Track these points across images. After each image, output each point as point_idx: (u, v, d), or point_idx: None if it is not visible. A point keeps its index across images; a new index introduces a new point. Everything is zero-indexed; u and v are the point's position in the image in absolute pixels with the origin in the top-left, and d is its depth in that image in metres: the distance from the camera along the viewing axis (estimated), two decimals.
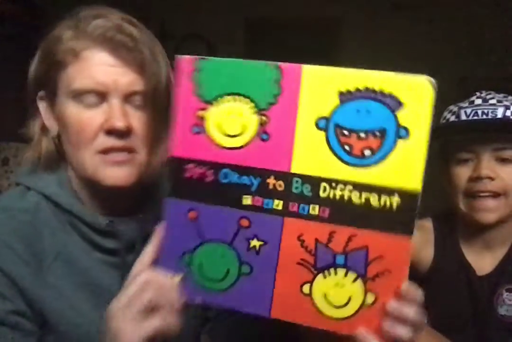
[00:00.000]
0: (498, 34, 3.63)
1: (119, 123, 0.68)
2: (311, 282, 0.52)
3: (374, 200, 0.48)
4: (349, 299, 0.51)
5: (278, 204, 0.52)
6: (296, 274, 0.52)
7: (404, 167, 0.46)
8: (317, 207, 0.50)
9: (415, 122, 0.46)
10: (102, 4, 0.76)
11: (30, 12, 3.42)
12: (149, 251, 0.58)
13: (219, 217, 0.53)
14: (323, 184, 0.49)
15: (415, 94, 0.46)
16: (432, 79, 0.47)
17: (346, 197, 0.48)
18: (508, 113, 0.99)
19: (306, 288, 0.52)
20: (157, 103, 0.73)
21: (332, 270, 0.51)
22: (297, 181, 0.50)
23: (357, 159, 0.48)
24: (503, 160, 0.98)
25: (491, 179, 0.97)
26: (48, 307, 0.71)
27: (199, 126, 0.52)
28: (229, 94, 0.52)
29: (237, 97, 0.51)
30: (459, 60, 3.72)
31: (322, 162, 0.49)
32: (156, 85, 0.72)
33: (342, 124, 0.49)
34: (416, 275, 1.09)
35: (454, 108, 1.06)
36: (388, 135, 0.47)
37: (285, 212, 0.51)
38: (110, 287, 0.75)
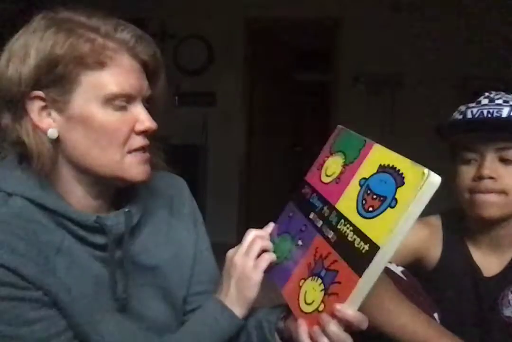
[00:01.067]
0: (498, 35, 3.64)
1: (153, 125, 0.76)
2: (305, 279, 0.70)
3: (357, 242, 0.63)
4: (312, 302, 0.67)
5: (319, 224, 0.72)
6: (303, 270, 0.71)
7: (382, 227, 0.61)
8: (332, 233, 0.68)
9: (404, 198, 0.60)
10: (103, 5, 0.76)
11: (28, 11, 3.42)
12: (269, 227, 0.83)
13: (298, 220, 0.77)
14: (342, 220, 0.67)
15: (413, 179, 0.60)
16: (429, 173, 0.58)
17: (346, 233, 0.66)
18: None
19: (301, 282, 0.71)
20: (157, 108, 0.81)
21: (316, 277, 0.68)
22: (334, 213, 0.70)
23: (363, 212, 0.65)
24: (506, 161, 0.98)
25: (493, 179, 0.97)
26: (58, 304, 0.73)
27: (321, 166, 0.79)
28: (340, 151, 0.76)
29: (340, 153, 0.76)
30: (459, 60, 3.73)
31: (349, 206, 0.68)
32: (162, 92, 0.82)
33: (370, 186, 0.66)
34: (422, 272, 1.09)
35: (462, 108, 1.05)
36: (385, 202, 0.62)
37: (319, 230, 0.71)
38: (103, 279, 0.76)
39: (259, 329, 0.79)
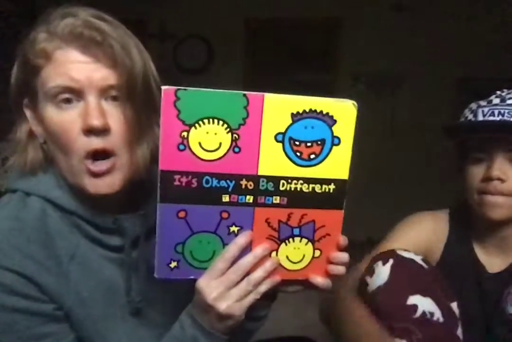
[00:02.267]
0: (498, 34, 3.63)
1: (96, 121, 0.67)
2: (276, 250, 0.69)
3: (318, 188, 0.67)
4: (303, 256, 0.70)
5: (249, 198, 0.66)
6: (268, 245, 0.69)
7: (337, 164, 0.66)
8: (278, 197, 0.67)
9: (344, 133, 0.65)
10: (103, 5, 0.75)
11: (29, 12, 3.41)
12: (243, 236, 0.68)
13: (204, 213, 0.65)
14: (282, 181, 0.66)
15: (344, 114, 0.65)
16: (355, 103, 0.65)
17: (298, 188, 0.67)
18: None
19: (273, 255, 0.69)
20: (134, 96, 0.71)
21: (291, 239, 0.69)
22: (263, 181, 0.65)
23: (305, 162, 0.66)
24: None
25: (502, 180, 0.97)
26: (70, 314, 0.72)
27: (183, 144, 0.62)
28: (206, 118, 0.62)
29: (213, 120, 0.62)
30: (459, 60, 3.72)
31: (280, 166, 0.65)
32: (130, 78, 0.70)
33: (294, 137, 0.65)
34: None
35: (474, 106, 1.05)
36: (326, 144, 0.66)
37: (255, 204, 0.66)
38: (117, 283, 0.76)
39: None
